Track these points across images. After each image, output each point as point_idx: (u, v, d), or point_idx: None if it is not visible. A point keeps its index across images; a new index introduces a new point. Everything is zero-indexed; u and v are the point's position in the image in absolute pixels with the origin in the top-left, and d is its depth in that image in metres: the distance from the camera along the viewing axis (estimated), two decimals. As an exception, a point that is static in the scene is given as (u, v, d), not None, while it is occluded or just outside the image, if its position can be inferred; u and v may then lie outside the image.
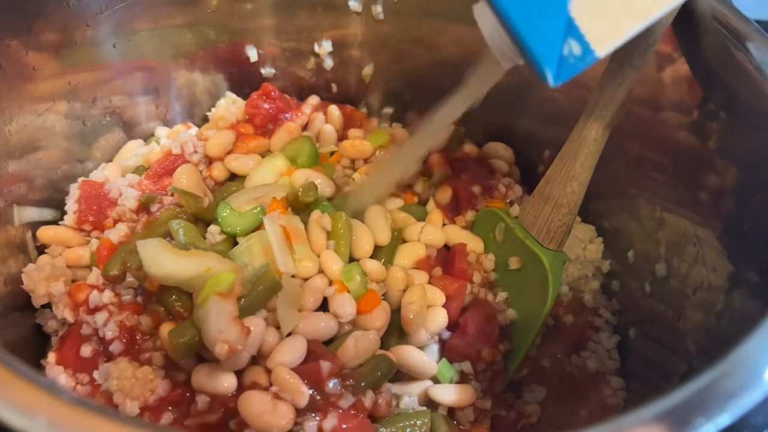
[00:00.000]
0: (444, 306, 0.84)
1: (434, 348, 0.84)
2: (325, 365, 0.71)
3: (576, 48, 0.52)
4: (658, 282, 0.86)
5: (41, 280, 0.83)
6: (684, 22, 0.75)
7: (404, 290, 0.84)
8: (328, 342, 0.78)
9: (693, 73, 0.79)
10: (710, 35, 0.75)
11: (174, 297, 0.75)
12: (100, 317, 0.77)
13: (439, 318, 0.83)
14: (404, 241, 0.92)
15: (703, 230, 0.78)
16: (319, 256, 0.83)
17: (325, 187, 0.92)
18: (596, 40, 0.53)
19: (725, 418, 0.44)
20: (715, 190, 0.77)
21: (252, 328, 0.70)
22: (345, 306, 0.78)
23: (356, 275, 0.81)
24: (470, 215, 0.97)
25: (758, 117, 0.70)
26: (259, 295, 0.74)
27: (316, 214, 0.85)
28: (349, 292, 0.80)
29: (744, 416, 0.45)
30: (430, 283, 0.87)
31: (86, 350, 0.77)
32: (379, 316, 0.80)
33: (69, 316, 0.81)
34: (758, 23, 0.75)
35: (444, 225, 0.97)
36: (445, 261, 0.91)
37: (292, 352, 0.72)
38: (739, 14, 0.75)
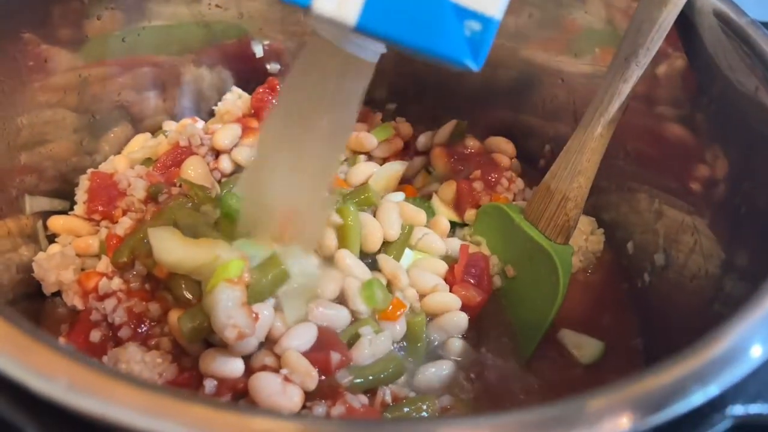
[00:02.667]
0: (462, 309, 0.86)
1: (457, 343, 0.85)
2: (335, 356, 0.72)
3: (475, 25, 0.52)
4: (657, 272, 0.88)
5: (51, 268, 0.84)
6: (683, 17, 0.77)
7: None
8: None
9: (691, 66, 0.81)
10: (708, 29, 0.77)
11: (182, 284, 0.76)
12: (109, 304, 0.79)
13: (458, 319, 0.85)
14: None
15: (699, 220, 0.79)
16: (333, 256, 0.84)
17: None
18: (486, 7, 0.52)
19: (713, 389, 0.45)
20: (707, 181, 0.79)
21: (260, 315, 0.71)
22: (361, 305, 0.79)
23: (377, 291, 0.79)
24: (471, 213, 0.99)
25: (749, 109, 0.72)
26: (266, 283, 0.75)
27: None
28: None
29: (736, 388, 0.47)
30: (451, 291, 0.87)
31: (95, 336, 0.78)
32: (403, 322, 0.82)
33: (79, 304, 0.82)
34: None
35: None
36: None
37: (301, 336, 0.73)
38: (737, 9, 0.77)
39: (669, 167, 0.87)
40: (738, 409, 0.47)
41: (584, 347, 0.87)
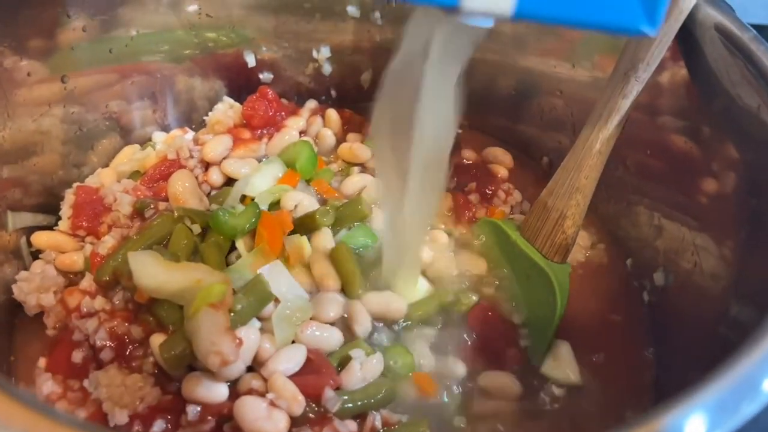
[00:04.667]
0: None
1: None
2: (324, 380, 0.71)
3: None
4: (657, 291, 0.85)
5: (32, 291, 0.82)
6: (685, 31, 0.74)
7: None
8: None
9: (692, 80, 0.78)
10: (710, 43, 0.75)
11: (164, 308, 0.74)
12: (91, 324, 0.77)
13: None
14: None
15: (701, 237, 0.77)
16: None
17: (313, 204, 0.91)
18: None
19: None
20: (712, 196, 0.76)
21: (245, 339, 0.69)
22: (362, 321, 0.78)
23: (398, 359, 0.78)
24: (466, 228, 0.96)
25: (755, 124, 0.70)
26: (250, 305, 0.73)
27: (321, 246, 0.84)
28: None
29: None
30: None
31: (77, 356, 0.76)
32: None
33: (51, 333, 0.80)
34: (762, 28, 0.74)
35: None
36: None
37: (289, 359, 0.72)
38: (739, 23, 0.74)
39: (670, 181, 0.85)
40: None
41: (562, 365, 0.82)
